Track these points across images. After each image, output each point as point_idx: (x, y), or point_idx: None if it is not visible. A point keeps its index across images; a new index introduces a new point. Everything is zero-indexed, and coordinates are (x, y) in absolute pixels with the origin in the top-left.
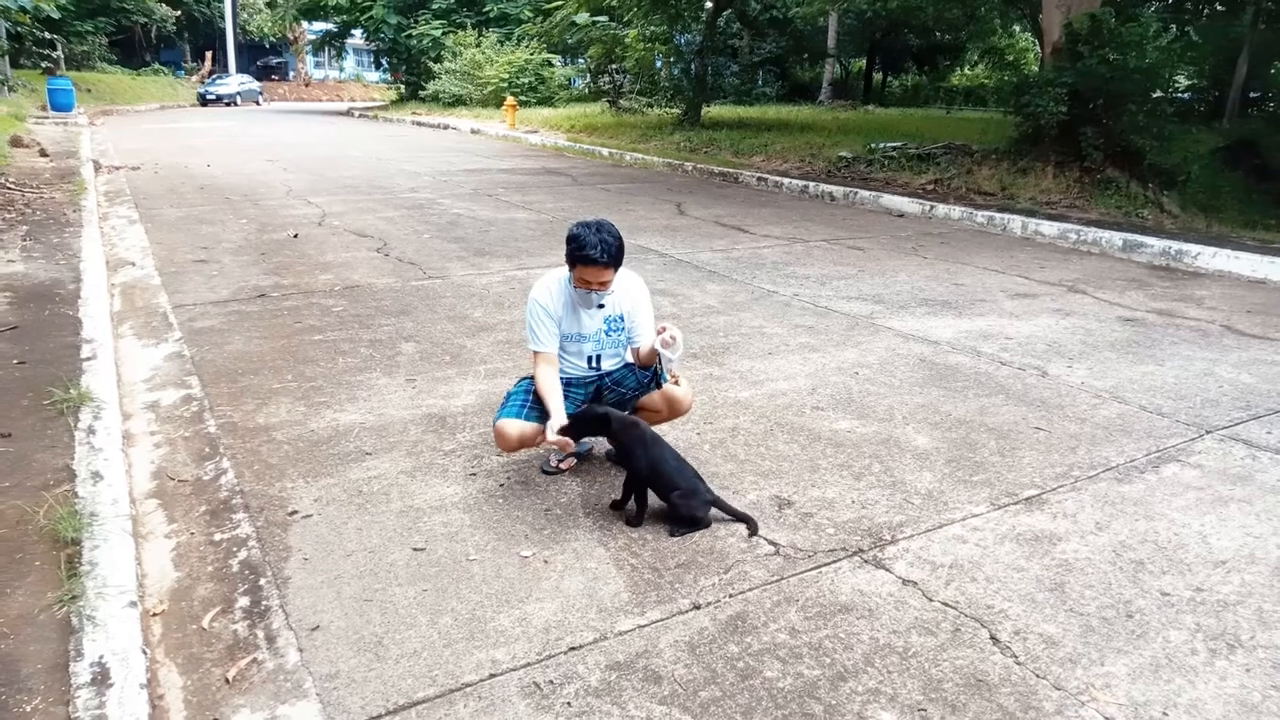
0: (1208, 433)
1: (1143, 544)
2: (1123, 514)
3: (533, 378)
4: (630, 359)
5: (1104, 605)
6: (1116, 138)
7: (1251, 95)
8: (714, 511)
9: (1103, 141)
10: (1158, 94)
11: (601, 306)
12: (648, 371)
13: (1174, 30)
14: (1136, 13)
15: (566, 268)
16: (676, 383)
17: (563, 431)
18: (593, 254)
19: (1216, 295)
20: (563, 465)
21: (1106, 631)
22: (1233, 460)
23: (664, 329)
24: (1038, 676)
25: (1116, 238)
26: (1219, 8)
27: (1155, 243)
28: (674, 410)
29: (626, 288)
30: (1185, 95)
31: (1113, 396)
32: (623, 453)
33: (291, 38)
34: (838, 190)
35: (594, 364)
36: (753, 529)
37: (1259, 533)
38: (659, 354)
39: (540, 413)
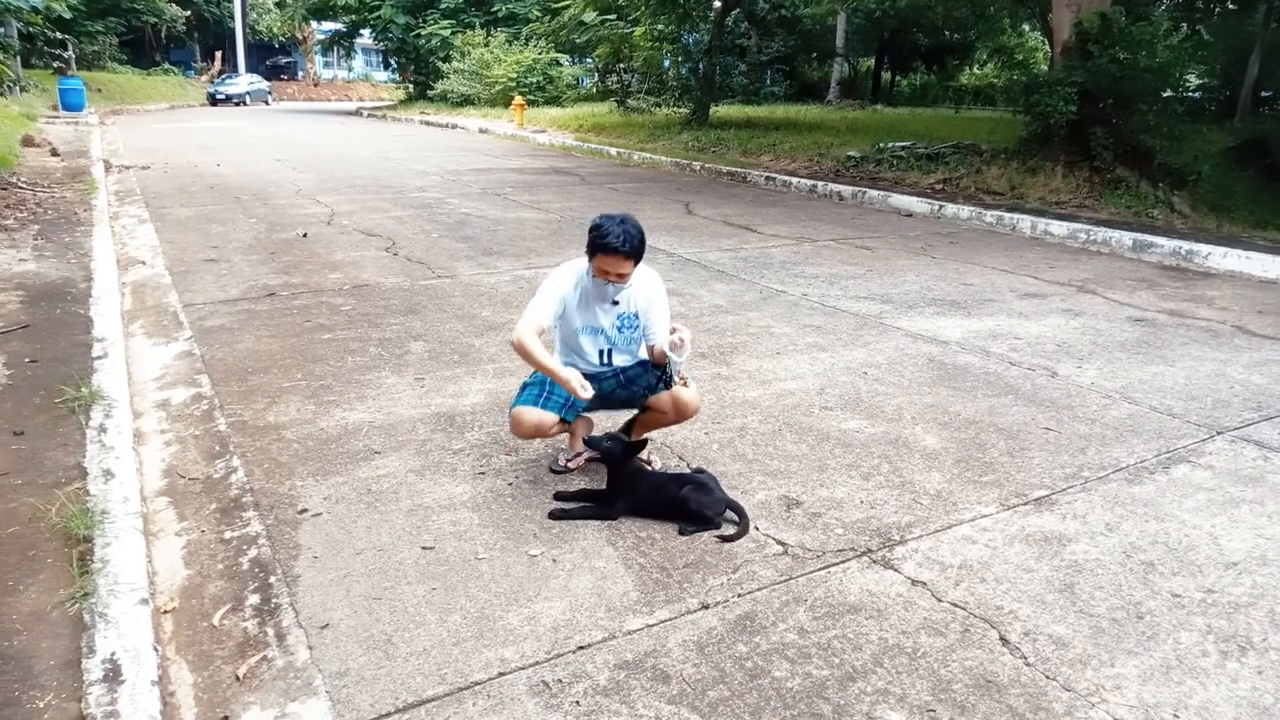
0: (1219, 434)
1: (1153, 545)
2: (1133, 515)
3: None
4: (644, 355)
5: (1114, 606)
6: (1126, 137)
7: (1263, 94)
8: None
9: (1113, 141)
10: (1168, 93)
11: (616, 303)
12: (659, 371)
13: (1185, 29)
14: (1147, 11)
15: (587, 260)
16: (685, 384)
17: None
18: (614, 243)
19: (1227, 296)
20: (571, 465)
21: (1117, 633)
22: (1244, 461)
23: (674, 330)
24: (1047, 677)
25: (1126, 238)
26: (1230, 6)
27: (1166, 243)
28: (681, 413)
29: (643, 285)
30: (1196, 94)
31: (1123, 397)
32: (612, 491)
33: (300, 38)
34: (846, 190)
35: (605, 359)
36: (742, 531)
37: (1271, 534)
38: (667, 355)
39: (558, 404)
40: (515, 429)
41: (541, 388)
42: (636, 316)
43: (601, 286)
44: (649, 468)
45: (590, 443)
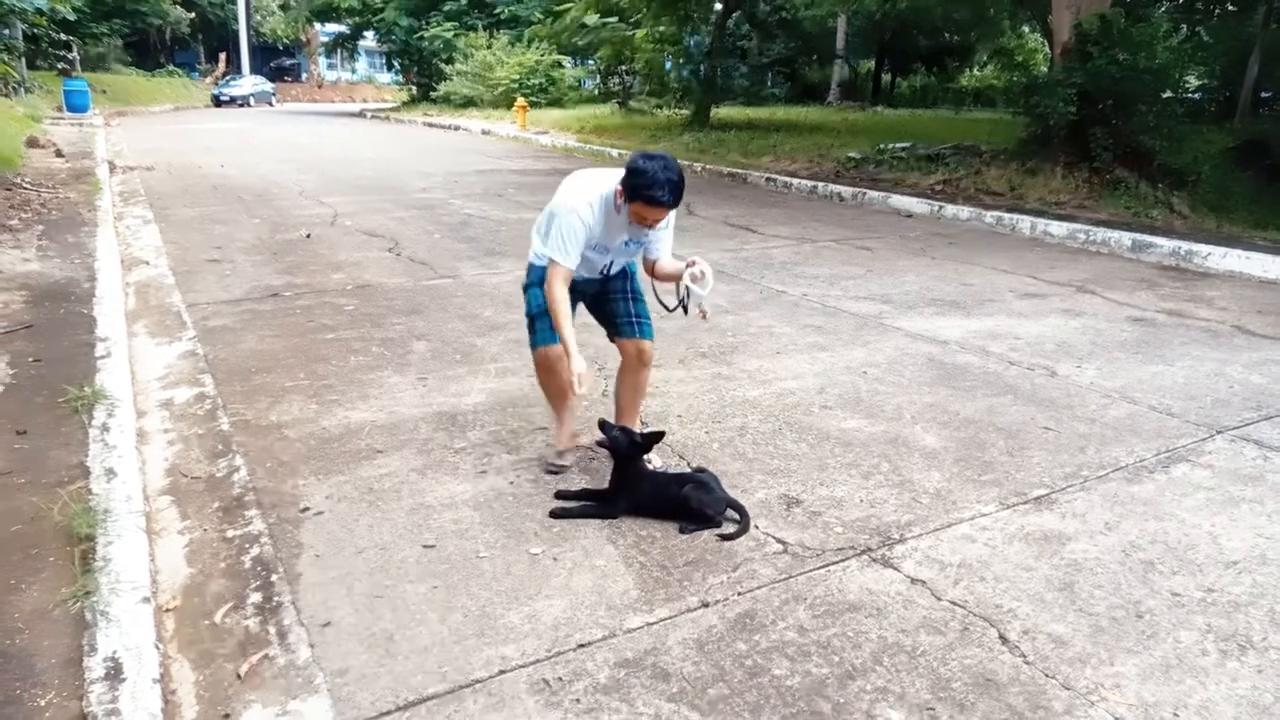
0: (1218, 433)
1: (1153, 544)
2: (1132, 514)
3: (539, 288)
4: (634, 264)
5: (1113, 605)
6: (1126, 138)
7: (1263, 95)
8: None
9: (1112, 142)
10: (1168, 94)
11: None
12: (638, 306)
13: (1184, 30)
14: (1146, 13)
15: (608, 187)
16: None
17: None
18: (660, 196)
19: (1227, 296)
20: (564, 461)
21: (1116, 631)
22: (1244, 461)
23: (694, 262)
24: (1047, 676)
25: (1126, 238)
26: (1230, 7)
27: (1165, 243)
28: (640, 359)
29: None
30: (1196, 95)
31: (1122, 396)
32: (613, 488)
33: (304, 39)
34: (846, 191)
35: (605, 271)
36: (742, 529)
37: (1271, 533)
38: (688, 289)
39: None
40: (541, 364)
41: (547, 318)
42: (646, 235)
43: (634, 226)
44: (650, 467)
45: (602, 426)
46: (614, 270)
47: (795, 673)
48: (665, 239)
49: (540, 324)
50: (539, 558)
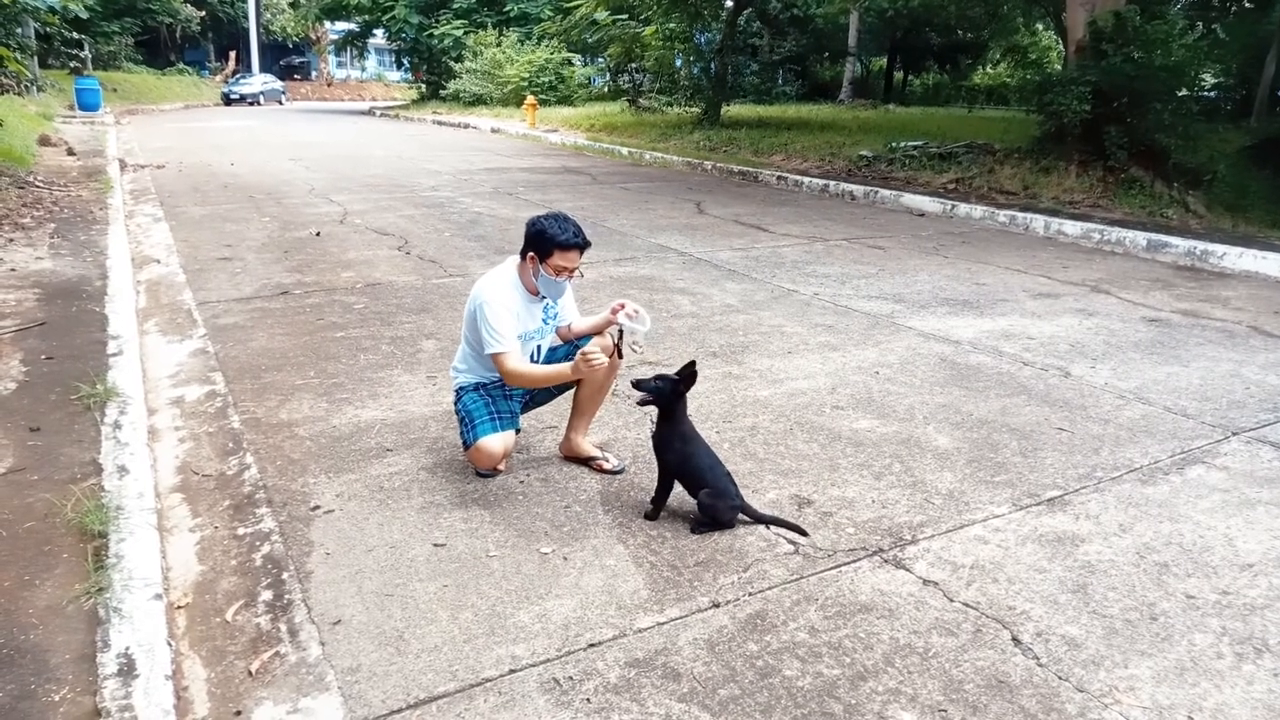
0: (1234, 434)
1: (1167, 546)
2: (1147, 516)
3: (471, 389)
4: (557, 341)
5: (1127, 607)
6: (1141, 136)
7: (1279, 93)
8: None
9: (1127, 140)
10: (1183, 92)
11: (542, 299)
12: (571, 345)
13: (1200, 28)
14: (1162, 10)
15: (510, 271)
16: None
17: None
18: (574, 239)
19: (1243, 296)
20: (500, 467)
21: (1130, 634)
22: (1260, 462)
23: (620, 306)
24: (1060, 678)
25: (1141, 237)
26: (1246, 4)
27: (1180, 243)
28: (612, 367)
29: None
30: (1212, 93)
31: (1137, 397)
32: (657, 443)
33: (314, 37)
34: (858, 189)
35: (534, 357)
36: (802, 533)
37: None
38: (620, 329)
39: (508, 419)
40: (484, 462)
41: (489, 409)
42: (555, 303)
43: (550, 282)
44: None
45: (639, 385)
46: (542, 354)
47: (806, 673)
48: (570, 302)
49: (478, 420)
50: (549, 557)
